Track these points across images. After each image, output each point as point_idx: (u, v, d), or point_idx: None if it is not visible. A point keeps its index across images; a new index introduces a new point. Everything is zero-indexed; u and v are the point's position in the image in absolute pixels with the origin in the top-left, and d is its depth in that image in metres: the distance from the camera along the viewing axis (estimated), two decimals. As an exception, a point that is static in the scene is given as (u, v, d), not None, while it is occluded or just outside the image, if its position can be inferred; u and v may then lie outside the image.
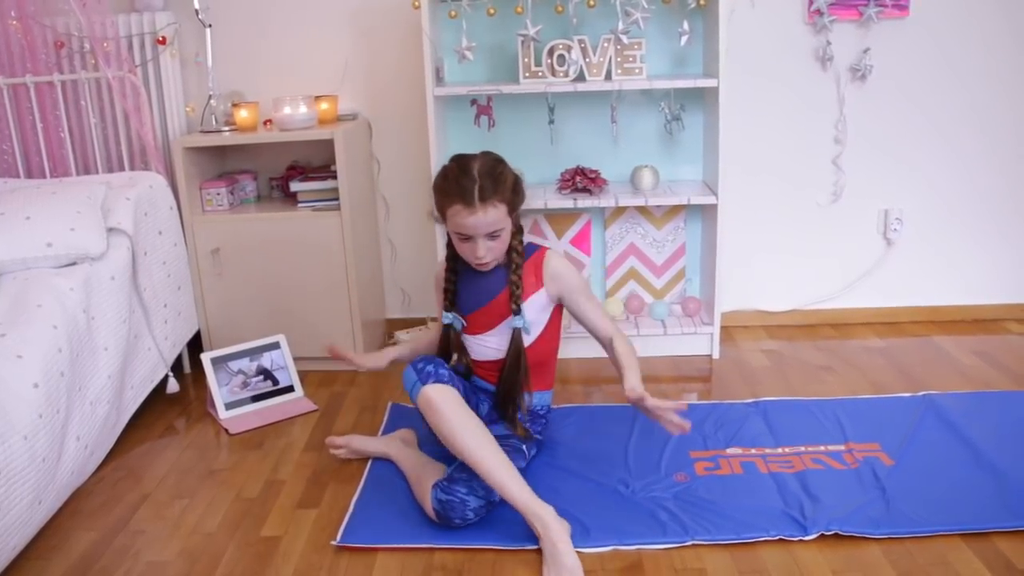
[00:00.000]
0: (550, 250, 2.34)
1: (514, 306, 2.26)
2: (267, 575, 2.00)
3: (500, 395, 2.33)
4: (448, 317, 2.36)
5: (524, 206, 2.26)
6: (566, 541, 1.95)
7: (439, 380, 2.13)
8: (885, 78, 3.17)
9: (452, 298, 2.35)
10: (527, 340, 2.29)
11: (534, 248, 2.33)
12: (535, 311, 2.30)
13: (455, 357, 2.38)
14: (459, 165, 2.17)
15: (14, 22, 3.06)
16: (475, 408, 2.36)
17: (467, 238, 2.17)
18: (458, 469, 2.15)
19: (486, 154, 2.22)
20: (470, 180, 2.11)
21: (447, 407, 2.08)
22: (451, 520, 2.09)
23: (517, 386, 2.30)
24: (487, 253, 2.18)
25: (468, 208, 2.11)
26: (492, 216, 2.13)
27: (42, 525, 2.16)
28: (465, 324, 2.35)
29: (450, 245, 2.32)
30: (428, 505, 2.12)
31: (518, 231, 2.29)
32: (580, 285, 2.33)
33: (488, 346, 2.34)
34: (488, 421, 2.36)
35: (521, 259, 2.28)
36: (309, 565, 2.03)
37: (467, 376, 2.40)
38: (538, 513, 1.98)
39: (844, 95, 3.19)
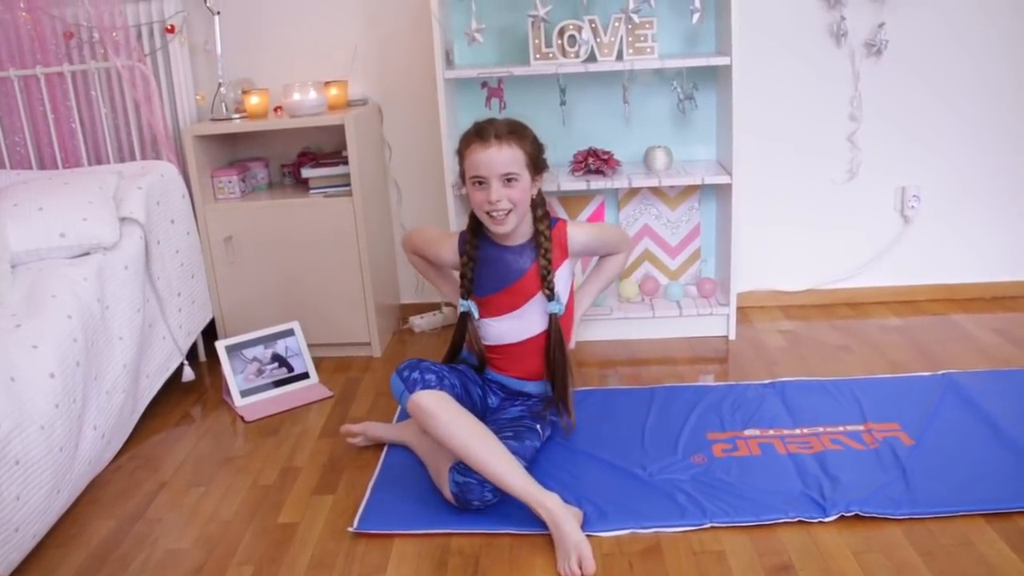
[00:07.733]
0: (568, 222, 2.34)
1: (547, 291, 2.25)
2: (284, 562, 2.01)
3: (554, 389, 2.33)
4: (465, 305, 2.35)
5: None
6: (570, 521, 1.94)
7: (426, 386, 2.11)
8: (901, 53, 3.12)
9: (469, 284, 2.34)
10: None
11: (553, 222, 2.32)
12: (561, 283, 2.30)
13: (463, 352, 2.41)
14: (486, 119, 2.25)
15: (23, 14, 3.05)
16: (483, 399, 2.36)
17: (482, 184, 2.17)
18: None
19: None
20: (489, 123, 2.20)
21: (439, 411, 2.06)
22: (470, 502, 2.08)
23: (565, 375, 2.30)
24: (501, 199, 2.16)
25: (483, 143, 2.16)
26: (507, 155, 2.15)
27: (61, 514, 2.17)
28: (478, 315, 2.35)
29: (472, 219, 2.30)
30: (446, 489, 2.11)
31: (544, 215, 2.28)
32: (598, 234, 2.43)
33: (504, 329, 2.33)
34: (503, 406, 2.36)
35: (549, 243, 2.26)
36: (326, 551, 2.03)
37: (480, 369, 2.39)
38: (540, 500, 1.98)
39: (859, 71, 3.15)
